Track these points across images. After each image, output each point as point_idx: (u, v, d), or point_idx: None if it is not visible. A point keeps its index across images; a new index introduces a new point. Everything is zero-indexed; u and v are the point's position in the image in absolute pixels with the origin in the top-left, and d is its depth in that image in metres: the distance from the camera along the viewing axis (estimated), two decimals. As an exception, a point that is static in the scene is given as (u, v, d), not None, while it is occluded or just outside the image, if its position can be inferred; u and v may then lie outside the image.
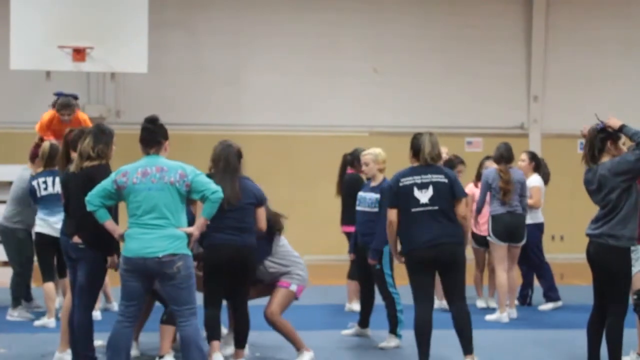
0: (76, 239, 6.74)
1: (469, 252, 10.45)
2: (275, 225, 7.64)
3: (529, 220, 10.14)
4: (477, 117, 15.86)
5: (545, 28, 16.14)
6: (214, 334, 7.26)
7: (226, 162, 7.19)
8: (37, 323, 9.10)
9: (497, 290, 9.97)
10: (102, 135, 6.81)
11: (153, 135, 6.34)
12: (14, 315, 9.54)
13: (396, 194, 7.10)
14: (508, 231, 9.84)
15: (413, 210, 7.00)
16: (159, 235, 6.15)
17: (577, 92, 16.02)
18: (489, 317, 9.86)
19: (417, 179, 7.04)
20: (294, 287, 7.64)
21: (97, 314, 8.97)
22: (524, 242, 10.01)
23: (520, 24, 16.20)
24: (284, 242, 7.77)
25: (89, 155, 6.72)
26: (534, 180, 10.29)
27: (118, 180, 6.27)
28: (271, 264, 7.65)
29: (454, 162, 10.16)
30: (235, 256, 7.15)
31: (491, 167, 10.13)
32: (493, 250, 10.01)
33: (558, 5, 16.20)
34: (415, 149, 7.14)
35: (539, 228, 10.50)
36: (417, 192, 7.01)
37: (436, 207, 7.01)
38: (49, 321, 9.01)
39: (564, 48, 16.17)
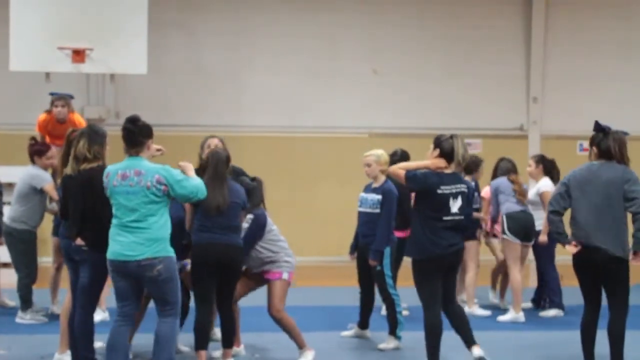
0: (79, 241, 6.73)
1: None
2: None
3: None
4: (476, 119, 15.85)
5: (545, 29, 16.15)
6: (202, 343, 7.27)
7: (214, 169, 7.19)
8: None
9: (512, 291, 9.94)
10: (96, 136, 6.82)
11: (132, 136, 6.41)
12: (26, 318, 9.48)
13: (431, 194, 7.00)
14: (524, 229, 9.88)
15: (445, 218, 7.02)
16: (138, 239, 6.24)
17: (576, 94, 16.02)
18: (502, 317, 9.88)
19: (453, 189, 7.04)
20: (285, 276, 7.69)
21: (105, 315, 9.00)
22: (533, 242, 10.03)
23: (519, 25, 16.20)
24: (272, 226, 7.79)
25: (86, 157, 6.72)
26: (544, 185, 10.14)
27: (103, 181, 6.42)
28: (260, 249, 7.67)
29: (478, 162, 10.28)
30: (222, 255, 7.18)
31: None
32: (508, 249, 9.97)
33: (557, 6, 16.20)
34: (448, 152, 7.09)
35: None
36: (451, 202, 7.03)
37: (462, 217, 7.09)
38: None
39: (563, 49, 16.17)
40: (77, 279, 6.90)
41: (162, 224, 6.31)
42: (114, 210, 6.37)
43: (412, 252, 7.20)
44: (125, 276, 6.31)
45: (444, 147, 7.10)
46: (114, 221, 6.36)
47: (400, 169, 7.15)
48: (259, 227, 7.63)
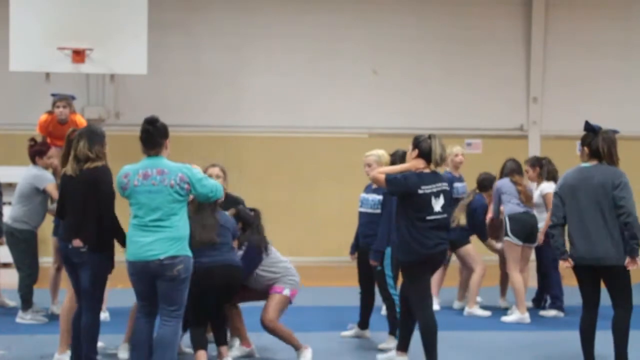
0: (77, 243, 6.69)
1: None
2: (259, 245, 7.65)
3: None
4: (476, 119, 15.86)
5: (545, 29, 16.14)
6: (200, 344, 7.23)
7: (197, 205, 7.08)
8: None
9: (515, 292, 9.92)
10: (95, 135, 6.80)
11: (152, 137, 6.41)
12: (26, 318, 9.47)
13: (412, 195, 7.00)
14: (527, 231, 9.87)
15: (428, 218, 7.03)
16: (160, 238, 6.20)
17: (576, 94, 16.02)
18: (506, 318, 9.86)
19: (434, 188, 7.06)
20: (287, 292, 7.66)
21: (105, 315, 8.99)
22: (536, 243, 10.03)
23: (519, 25, 16.19)
24: (271, 249, 7.77)
25: (88, 157, 6.69)
26: (547, 187, 10.11)
27: (120, 182, 6.37)
28: (261, 272, 7.66)
29: (492, 180, 10.36)
30: (225, 277, 7.13)
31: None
32: (509, 251, 9.94)
33: (557, 6, 16.20)
34: (426, 152, 7.12)
35: None
36: (433, 201, 7.04)
37: (445, 215, 7.13)
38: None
39: (563, 49, 16.17)
40: (76, 280, 6.87)
41: (183, 223, 6.32)
42: (133, 210, 6.32)
43: (400, 254, 7.22)
44: (145, 278, 6.27)
45: (422, 147, 7.13)
46: (133, 221, 6.32)
47: (381, 173, 7.18)
48: (254, 251, 7.61)
